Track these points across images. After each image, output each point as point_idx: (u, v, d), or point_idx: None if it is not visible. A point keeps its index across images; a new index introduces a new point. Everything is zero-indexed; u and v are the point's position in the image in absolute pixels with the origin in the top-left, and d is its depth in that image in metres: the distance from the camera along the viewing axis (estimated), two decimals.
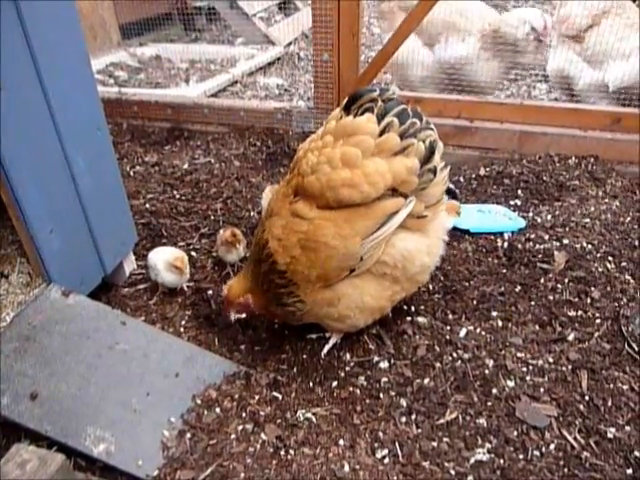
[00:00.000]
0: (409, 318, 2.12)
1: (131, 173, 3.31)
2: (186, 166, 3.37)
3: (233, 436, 1.63)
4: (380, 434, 1.67)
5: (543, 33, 3.50)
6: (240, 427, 1.66)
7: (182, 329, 2.09)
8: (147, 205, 2.89)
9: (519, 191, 3.03)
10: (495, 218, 2.74)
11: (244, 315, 1.98)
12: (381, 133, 1.68)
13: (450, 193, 2.67)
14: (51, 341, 1.74)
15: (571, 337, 1.99)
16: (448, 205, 2.52)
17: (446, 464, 1.58)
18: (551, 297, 2.19)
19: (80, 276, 2.02)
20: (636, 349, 1.90)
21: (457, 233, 2.62)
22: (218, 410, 1.71)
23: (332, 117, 1.78)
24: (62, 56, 1.83)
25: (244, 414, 1.71)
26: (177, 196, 3.00)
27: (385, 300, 1.89)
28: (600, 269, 2.34)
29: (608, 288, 2.23)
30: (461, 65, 3.70)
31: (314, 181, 1.70)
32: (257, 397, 1.77)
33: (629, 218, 2.72)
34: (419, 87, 3.97)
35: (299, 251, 1.74)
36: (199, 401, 1.73)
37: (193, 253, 2.52)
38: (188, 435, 1.63)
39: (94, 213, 2.03)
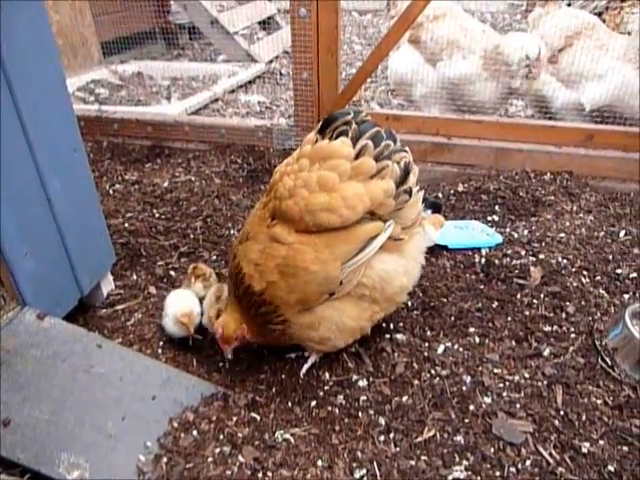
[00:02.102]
0: (388, 335, 2.13)
1: (110, 191, 3.29)
2: (166, 184, 3.37)
3: (210, 459, 1.62)
4: (358, 454, 1.67)
5: (535, 64, 3.58)
6: (217, 450, 1.65)
7: (160, 350, 2.07)
8: (126, 224, 2.88)
9: (496, 207, 3.08)
10: (473, 234, 2.78)
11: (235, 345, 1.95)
12: (356, 156, 1.70)
13: (435, 206, 2.73)
14: (25, 366, 1.71)
15: (546, 352, 2.01)
16: (433, 219, 2.58)
17: None
18: (527, 312, 2.22)
19: (56, 298, 2.00)
20: (609, 363, 1.94)
21: (435, 249, 2.65)
22: (195, 433, 1.70)
23: (307, 141, 1.79)
24: (37, 78, 1.82)
25: (221, 436, 1.69)
26: (157, 215, 3.00)
27: (365, 321, 1.89)
28: (575, 284, 2.39)
29: (582, 302, 2.27)
30: (463, 83, 3.76)
31: (292, 205, 1.70)
32: (235, 418, 1.76)
33: (603, 232, 2.78)
34: (421, 104, 4.03)
35: (277, 276, 1.73)
36: (176, 424, 1.71)
37: (172, 272, 2.51)
38: (164, 459, 1.61)
39: (70, 235, 2.01)
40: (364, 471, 1.61)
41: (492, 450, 1.66)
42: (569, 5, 4.86)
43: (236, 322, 1.89)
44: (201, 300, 2.20)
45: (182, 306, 2.11)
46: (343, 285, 1.76)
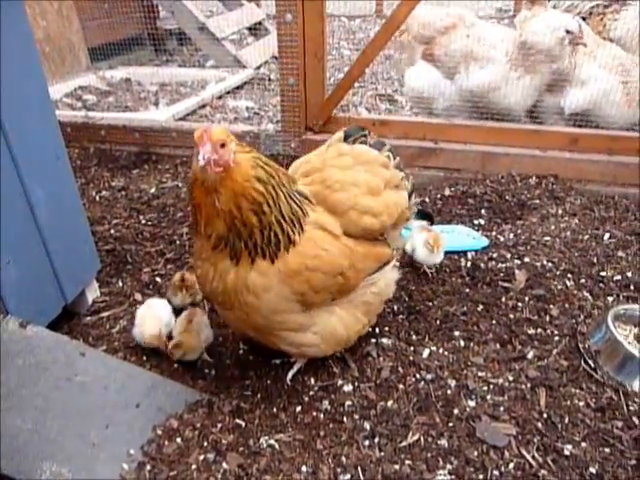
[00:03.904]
0: (373, 340, 2.13)
1: (97, 198, 3.28)
2: (153, 190, 3.36)
3: (194, 466, 1.61)
4: (343, 459, 1.67)
5: (580, 35, 3.45)
6: (201, 457, 1.64)
7: (145, 357, 2.06)
8: (112, 231, 2.87)
9: (483, 210, 3.10)
10: (459, 238, 2.80)
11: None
12: None
13: (427, 217, 2.73)
14: (7, 375, 1.69)
15: (530, 355, 2.03)
16: (430, 238, 2.49)
17: None
18: (512, 315, 2.24)
19: (39, 306, 1.99)
20: (592, 365, 1.95)
21: None
22: (179, 440, 1.69)
23: (336, 139, 1.87)
24: (19, 87, 1.82)
25: (206, 443, 1.69)
26: (143, 221, 2.99)
27: (354, 333, 1.91)
28: (559, 287, 2.40)
29: (566, 305, 2.29)
30: (486, 92, 3.71)
31: (345, 200, 1.73)
32: (219, 425, 1.76)
33: (587, 235, 2.80)
34: (444, 117, 3.95)
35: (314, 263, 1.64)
36: (160, 431, 1.71)
37: (158, 279, 2.50)
38: (148, 467, 1.61)
39: (54, 243, 2.01)
40: (348, 476, 1.61)
41: (476, 453, 1.66)
42: (554, 8, 4.90)
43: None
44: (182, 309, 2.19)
45: (150, 327, 2.04)
46: (351, 295, 1.81)
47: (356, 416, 1.82)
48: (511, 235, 2.83)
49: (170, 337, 2.07)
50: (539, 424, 1.75)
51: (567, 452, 1.65)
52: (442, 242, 2.44)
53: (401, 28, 4.12)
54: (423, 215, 2.72)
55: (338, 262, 1.69)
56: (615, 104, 3.49)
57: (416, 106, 4.21)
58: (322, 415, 1.83)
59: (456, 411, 1.81)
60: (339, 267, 1.69)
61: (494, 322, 2.21)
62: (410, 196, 1.92)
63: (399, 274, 2.04)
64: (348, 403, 1.86)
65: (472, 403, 1.84)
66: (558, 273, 2.50)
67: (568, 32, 3.45)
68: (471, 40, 3.76)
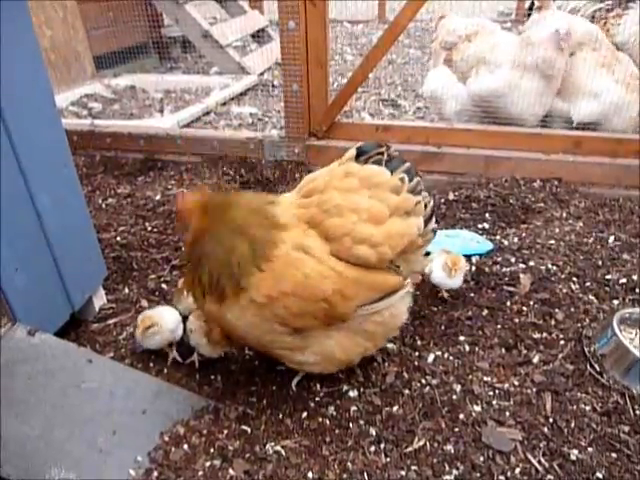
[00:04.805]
0: None
1: (103, 205, 3.31)
2: (159, 197, 3.38)
3: (201, 473, 1.62)
4: (349, 465, 1.67)
5: (564, 38, 3.43)
6: (208, 463, 1.65)
7: (151, 364, 2.07)
8: (118, 238, 2.89)
9: (487, 214, 3.10)
10: (463, 242, 2.80)
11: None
12: None
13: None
14: (15, 382, 1.71)
15: (536, 359, 2.03)
16: (451, 259, 2.34)
17: None
18: (517, 320, 2.23)
19: (47, 314, 2.01)
20: (598, 369, 1.95)
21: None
22: (186, 446, 1.70)
23: (347, 157, 1.77)
24: (25, 95, 1.84)
25: (212, 449, 1.70)
26: (149, 228, 3.01)
27: (355, 355, 1.85)
28: (564, 290, 2.40)
29: (572, 309, 2.29)
30: (494, 97, 3.69)
31: (339, 226, 1.63)
32: (226, 431, 1.76)
33: (592, 238, 2.80)
34: (454, 121, 3.95)
35: (291, 289, 1.60)
36: (166, 438, 1.72)
37: (164, 285, 2.52)
38: (155, 474, 1.61)
39: (61, 250, 2.03)
40: None
41: (482, 459, 1.66)
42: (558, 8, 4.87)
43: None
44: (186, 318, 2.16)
45: (151, 313, 2.06)
46: (348, 322, 1.73)
47: (362, 422, 1.82)
48: (515, 239, 2.83)
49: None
50: (545, 429, 1.74)
51: (573, 457, 1.64)
52: (462, 265, 2.29)
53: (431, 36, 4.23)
54: None
55: (319, 287, 1.61)
56: (627, 118, 3.48)
57: (432, 108, 4.27)
58: (328, 421, 1.83)
59: (462, 416, 1.81)
60: (320, 292, 1.61)
61: (499, 326, 2.21)
62: (429, 220, 1.77)
63: (411, 300, 1.91)
64: (353, 409, 1.87)
65: (478, 408, 1.84)
66: (563, 277, 2.50)
67: (556, 31, 3.48)
68: (485, 46, 3.81)
